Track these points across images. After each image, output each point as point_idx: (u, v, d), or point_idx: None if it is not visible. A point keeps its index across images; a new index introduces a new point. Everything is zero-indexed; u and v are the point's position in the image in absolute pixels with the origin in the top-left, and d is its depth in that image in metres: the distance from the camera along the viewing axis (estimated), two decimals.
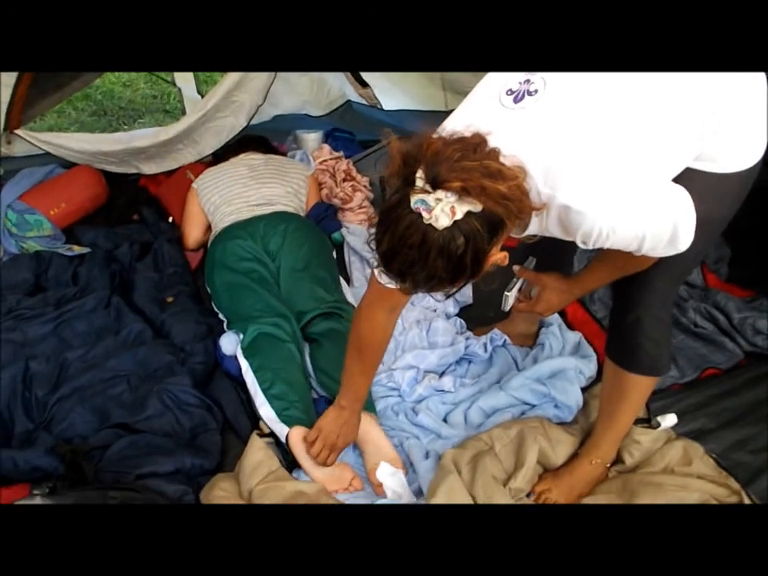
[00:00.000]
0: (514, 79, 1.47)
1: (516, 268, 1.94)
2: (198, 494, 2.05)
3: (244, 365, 2.43)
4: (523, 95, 1.44)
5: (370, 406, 2.32)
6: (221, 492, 2.03)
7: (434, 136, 1.33)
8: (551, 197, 1.39)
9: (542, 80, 1.44)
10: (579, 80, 1.44)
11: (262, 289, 2.67)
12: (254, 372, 2.38)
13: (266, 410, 2.28)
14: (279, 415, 2.24)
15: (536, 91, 1.43)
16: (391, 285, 1.47)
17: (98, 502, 1.80)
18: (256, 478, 2.04)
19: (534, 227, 1.48)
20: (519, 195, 1.30)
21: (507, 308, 2.00)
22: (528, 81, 1.45)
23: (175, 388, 2.34)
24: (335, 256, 3.09)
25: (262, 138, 3.64)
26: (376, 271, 1.71)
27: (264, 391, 2.31)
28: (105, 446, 2.18)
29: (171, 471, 2.09)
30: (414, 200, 1.27)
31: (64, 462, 2.09)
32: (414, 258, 1.30)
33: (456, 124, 1.42)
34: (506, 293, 1.95)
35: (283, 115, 4.20)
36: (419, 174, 1.27)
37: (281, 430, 2.22)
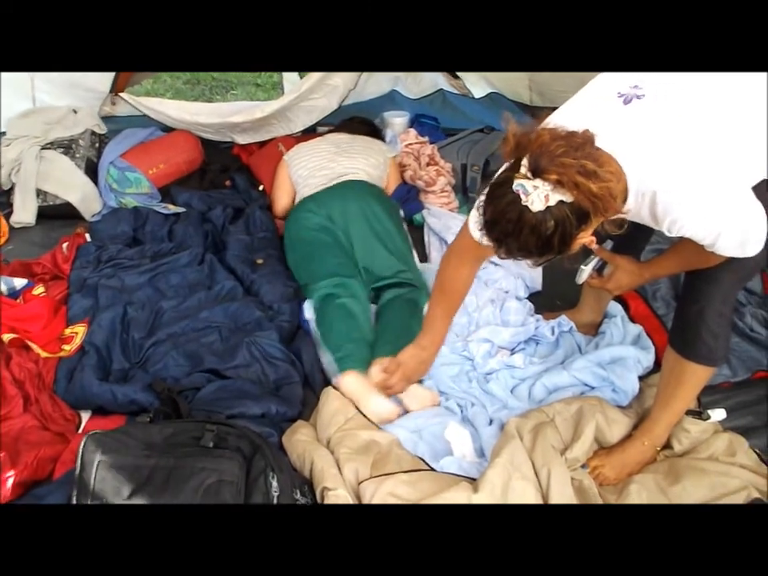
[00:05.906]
0: (624, 83, 1.65)
1: (595, 246, 2.09)
2: (281, 438, 2.21)
3: (312, 324, 2.67)
4: (632, 98, 1.62)
5: None
6: (302, 437, 2.19)
7: (545, 128, 1.50)
8: (645, 184, 1.57)
9: (649, 86, 1.63)
10: (680, 87, 1.63)
11: (328, 255, 2.86)
12: (318, 327, 2.63)
13: (324, 358, 2.52)
14: (334, 361, 2.46)
15: (643, 95, 1.62)
16: (484, 240, 1.63)
17: (196, 433, 1.90)
18: (333, 427, 2.21)
19: (630, 214, 1.64)
20: (608, 197, 1.46)
21: (581, 281, 2.14)
22: (636, 86, 1.63)
23: (263, 341, 2.50)
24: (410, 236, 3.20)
25: (369, 122, 3.82)
26: (471, 224, 1.93)
27: (324, 342, 2.55)
28: (196, 388, 2.33)
29: (258, 415, 2.24)
30: (516, 183, 1.46)
31: (160, 398, 2.23)
32: (510, 230, 1.50)
33: (566, 119, 1.59)
34: (581, 266, 2.10)
35: (375, 98, 4.34)
36: (524, 161, 1.45)
37: (333, 374, 2.44)
